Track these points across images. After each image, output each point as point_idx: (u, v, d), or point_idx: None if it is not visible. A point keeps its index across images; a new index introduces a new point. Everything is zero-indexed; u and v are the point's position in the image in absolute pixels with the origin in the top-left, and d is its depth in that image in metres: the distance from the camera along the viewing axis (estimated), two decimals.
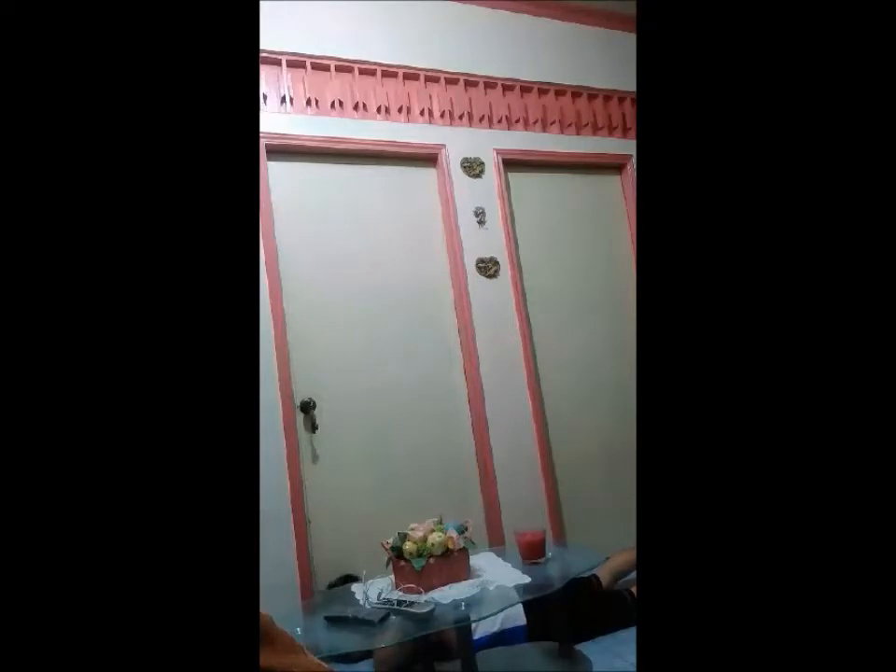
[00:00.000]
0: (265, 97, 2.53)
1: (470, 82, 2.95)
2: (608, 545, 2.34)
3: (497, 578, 1.64)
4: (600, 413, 2.99)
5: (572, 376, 2.98)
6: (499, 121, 2.99)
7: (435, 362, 2.71)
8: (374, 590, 1.62)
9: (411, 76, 2.82)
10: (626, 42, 3.21)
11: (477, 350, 2.75)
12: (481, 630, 1.97)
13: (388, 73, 2.77)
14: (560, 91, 3.15)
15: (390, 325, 2.66)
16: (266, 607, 0.67)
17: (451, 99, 2.89)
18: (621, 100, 3.29)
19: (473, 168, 2.90)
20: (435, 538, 1.61)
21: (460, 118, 2.91)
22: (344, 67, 2.69)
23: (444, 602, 1.51)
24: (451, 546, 1.62)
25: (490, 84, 3.00)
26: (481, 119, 2.95)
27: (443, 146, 2.84)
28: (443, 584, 1.59)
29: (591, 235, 3.18)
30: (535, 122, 3.07)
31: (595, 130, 3.23)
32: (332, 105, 2.65)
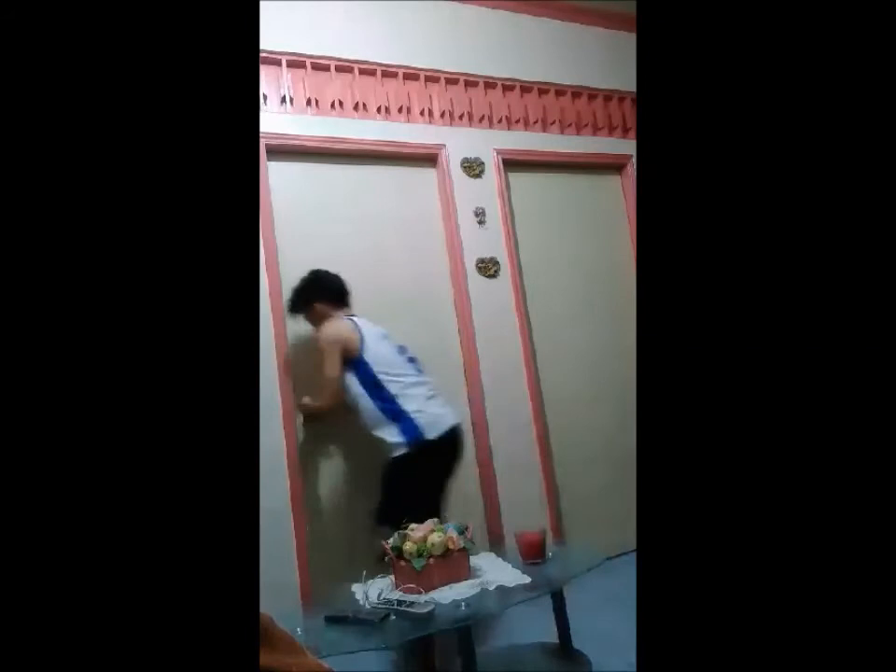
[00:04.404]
0: (265, 97, 2.53)
1: (470, 82, 2.95)
2: (608, 545, 2.33)
3: (497, 578, 1.64)
4: (600, 414, 2.99)
5: (572, 376, 2.98)
6: (499, 121, 2.99)
7: (434, 362, 2.71)
8: (374, 590, 1.62)
9: (411, 76, 2.82)
10: (626, 42, 3.21)
11: (477, 350, 2.75)
12: None
13: (388, 73, 2.77)
14: (560, 91, 3.15)
15: (390, 325, 2.65)
16: (266, 607, 0.67)
17: (451, 99, 2.89)
18: (621, 100, 3.29)
19: (473, 168, 2.89)
20: (435, 538, 1.61)
21: (460, 118, 2.91)
22: (344, 67, 2.69)
23: (444, 602, 1.51)
24: (451, 546, 1.62)
25: (490, 84, 3.00)
26: (481, 119, 2.95)
27: (443, 146, 2.84)
28: (443, 584, 1.59)
29: (591, 235, 3.18)
30: (535, 122, 3.07)
31: (595, 130, 3.23)
32: (332, 105, 2.65)
